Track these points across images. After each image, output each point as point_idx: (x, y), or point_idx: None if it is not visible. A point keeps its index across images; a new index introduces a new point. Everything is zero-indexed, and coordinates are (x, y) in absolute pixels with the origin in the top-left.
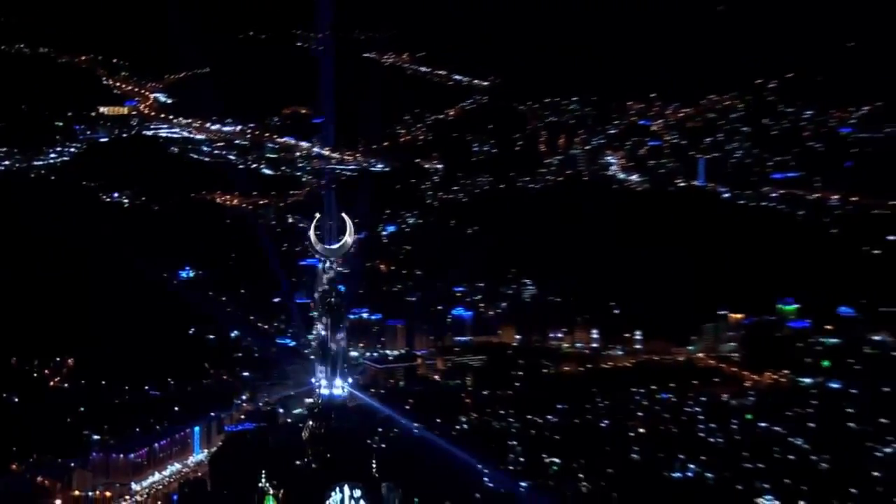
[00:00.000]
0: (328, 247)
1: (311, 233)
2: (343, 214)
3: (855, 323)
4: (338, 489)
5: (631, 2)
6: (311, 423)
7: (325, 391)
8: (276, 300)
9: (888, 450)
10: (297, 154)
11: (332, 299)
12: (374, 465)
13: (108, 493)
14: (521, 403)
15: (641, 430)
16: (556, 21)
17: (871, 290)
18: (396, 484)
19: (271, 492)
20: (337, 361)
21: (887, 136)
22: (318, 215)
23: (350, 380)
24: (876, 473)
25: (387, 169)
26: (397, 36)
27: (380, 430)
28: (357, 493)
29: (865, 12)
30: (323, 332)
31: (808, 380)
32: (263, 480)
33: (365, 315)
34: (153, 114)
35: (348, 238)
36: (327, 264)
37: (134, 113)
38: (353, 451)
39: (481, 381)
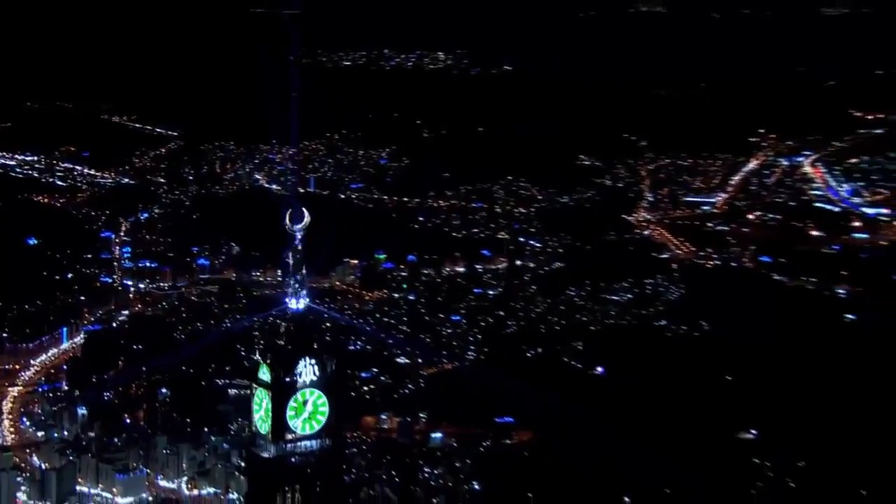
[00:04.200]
0: (295, 226)
1: (287, 219)
2: (303, 208)
3: (416, 264)
4: (302, 360)
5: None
6: (284, 323)
7: (292, 305)
8: (88, 256)
9: (450, 330)
10: (76, 173)
11: (298, 255)
12: (315, 346)
13: (17, 366)
14: (257, 308)
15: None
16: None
17: (420, 246)
18: (331, 356)
19: (262, 361)
20: (299, 288)
21: (405, 165)
22: (291, 212)
23: (307, 299)
24: (454, 343)
25: (133, 182)
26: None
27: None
28: (312, 361)
29: None
30: (291, 272)
31: (396, 294)
32: (258, 354)
33: (148, 264)
34: None
35: (307, 220)
36: (297, 237)
37: None
38: (307, 338)
39: (220, 299)
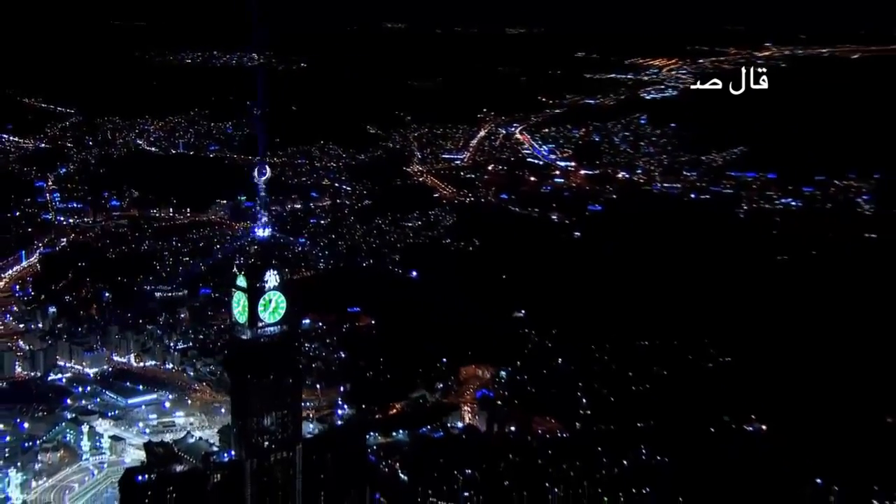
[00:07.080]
0: (261, 178)
1: (256, 173)
2: (266, 167)
3: (268, 202)
4: (268, 270)
5: None
6: (254, 246)
7: (258, 233)
8: (28, 200)
9: (300, 248)
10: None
11: (262, 195)
12: (274, 261)
13: None
14: (161, 235)
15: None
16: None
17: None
18: (278, 268)
19: (238, 272)
20: (263, 220)
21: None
22: (258, 168)
23: (269, 228)
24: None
25: (49, 146)
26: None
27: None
28: (274, 271)
29: None
30: (257, 210)
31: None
32: (235, 270)
33: (74, 205)
34: None
35: (269, 174)
36: (262, 184)
37: None
38: (270, 255)
39: (130, 232)
